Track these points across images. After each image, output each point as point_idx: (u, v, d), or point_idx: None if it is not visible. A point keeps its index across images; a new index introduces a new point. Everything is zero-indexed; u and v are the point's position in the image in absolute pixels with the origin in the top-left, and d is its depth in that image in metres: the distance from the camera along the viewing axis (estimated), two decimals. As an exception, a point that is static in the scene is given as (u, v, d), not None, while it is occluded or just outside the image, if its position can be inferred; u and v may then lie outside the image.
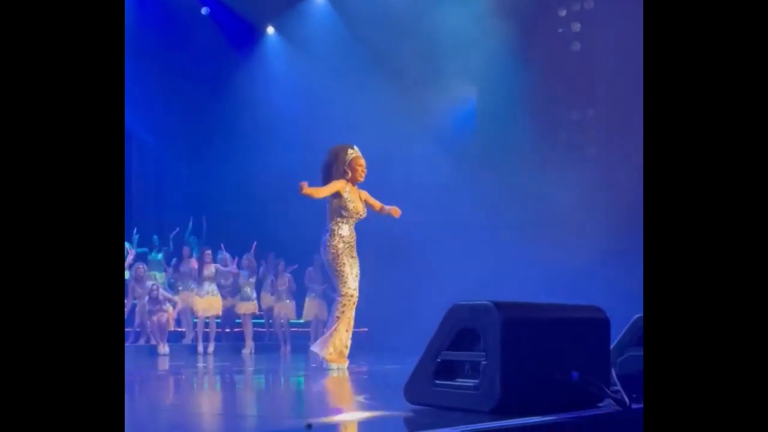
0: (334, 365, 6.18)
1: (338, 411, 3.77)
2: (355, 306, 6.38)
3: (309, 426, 2.51)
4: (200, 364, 7.93)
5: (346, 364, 6.30)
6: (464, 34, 11.73)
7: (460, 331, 2.98)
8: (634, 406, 2.95)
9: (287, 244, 11.56)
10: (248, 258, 10.92)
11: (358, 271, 6.44)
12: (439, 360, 3.02)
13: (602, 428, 2.89)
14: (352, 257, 6.42)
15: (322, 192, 6.32)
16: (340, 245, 6.30)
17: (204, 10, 13.60)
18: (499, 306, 2.93)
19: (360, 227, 6.73)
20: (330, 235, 6.32)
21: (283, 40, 14.60)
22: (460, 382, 2.95)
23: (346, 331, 6.32)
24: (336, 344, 6.26)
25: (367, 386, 5.17)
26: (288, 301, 11.15)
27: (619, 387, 3.04)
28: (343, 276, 6.29)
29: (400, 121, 12.04)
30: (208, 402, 4.38)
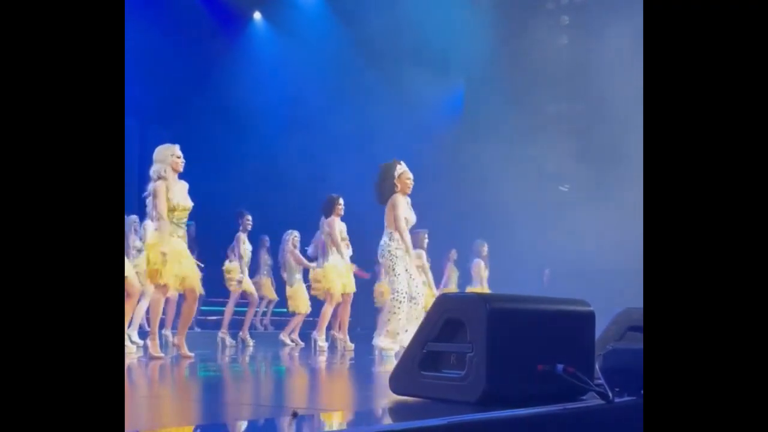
0: (391, 351, 6.74)
1: (324, 400, 3.78)
2: (408, 301, 6.92)
3: (295, 414, 2.51)
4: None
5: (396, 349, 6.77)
6: (453, 24, 11.73)
7: (447, 322, 2.99)
8: (616, 399, 2.97)
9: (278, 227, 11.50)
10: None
11: (414, 271, 7.09)
12: (425, 351, 3.02)
13: (585, 421, 2.91)
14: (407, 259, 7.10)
15: (398, 219, 6.94)
16: (395, 249, 6.96)
17: (190, -6, 13.47)
18: (485, 298, 2.96)
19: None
20: (389, 239, 7.01)
21: (271, 26, 14.52)
22: (445, 373, 2.96)
23: (400, 328, 6.84)
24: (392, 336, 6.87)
25: (352, 376, 5.18)
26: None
27: (602, 380, 3.06)
28: (396, 275, 6.94)
29: (386, 109, 12.03)
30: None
